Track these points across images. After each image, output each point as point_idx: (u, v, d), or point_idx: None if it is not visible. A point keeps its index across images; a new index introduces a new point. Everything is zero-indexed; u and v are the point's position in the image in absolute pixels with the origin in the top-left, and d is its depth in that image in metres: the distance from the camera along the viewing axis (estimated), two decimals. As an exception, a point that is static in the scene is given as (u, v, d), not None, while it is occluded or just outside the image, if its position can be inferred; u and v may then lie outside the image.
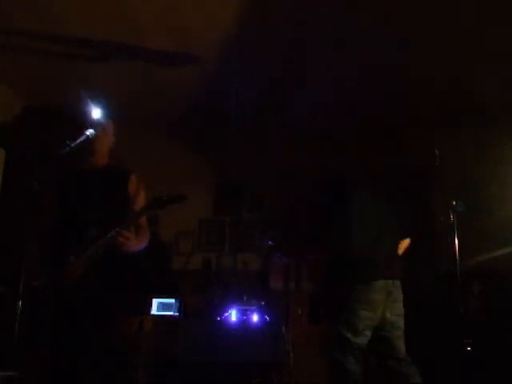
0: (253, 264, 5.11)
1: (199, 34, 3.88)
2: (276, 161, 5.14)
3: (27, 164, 4.16)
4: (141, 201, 2.65)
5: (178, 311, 4.36)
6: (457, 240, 2.97)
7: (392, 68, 4.21)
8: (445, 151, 3.15)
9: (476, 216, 4.10)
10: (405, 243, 3.05)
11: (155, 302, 4.40)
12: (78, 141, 2.53)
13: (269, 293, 4.58)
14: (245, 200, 5.31)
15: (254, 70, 4.29)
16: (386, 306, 2.79)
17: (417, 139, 4.66)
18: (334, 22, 3.69)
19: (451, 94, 4.54)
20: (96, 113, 2.71)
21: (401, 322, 2.83)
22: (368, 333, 2.75)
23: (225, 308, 4.21)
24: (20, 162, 4.32)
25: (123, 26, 3.78)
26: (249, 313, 4.17)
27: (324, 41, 3.90)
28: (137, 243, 2.50)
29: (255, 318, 4.14)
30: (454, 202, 2.97)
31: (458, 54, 3.99)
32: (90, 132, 2.56)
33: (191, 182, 5.03)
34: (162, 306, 4.38)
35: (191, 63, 4.23)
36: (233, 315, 4.14)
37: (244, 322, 4.11)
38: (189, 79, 4.50)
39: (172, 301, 4.40)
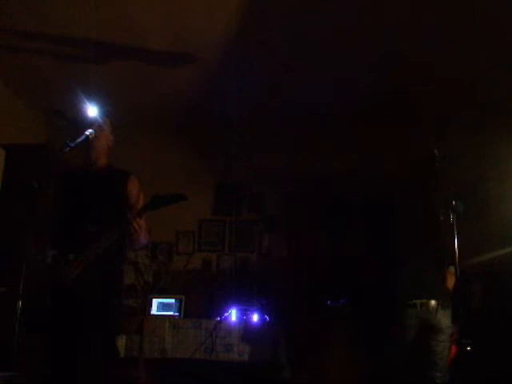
0: (253, 264, 5.11)
1: (199, 34, 3.88)
2: (276, 161, 5.14)
3: (27, 164, 4.17)
4: (140, 202, 2.66)
5: (178, 311, 4.36)
6: (457, 240, 2.97)
7: (392, 68, 4.21)
8: (445, 151, 3.14)
9: (476, 216, 4.10)
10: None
11: (155, 301, 4.40)
12: (78, 141, 2.54)
13: (269, 292, 4.57)
14: (245, 200, 5.30)
15: (253, 70, 4.29)
16: None
17: (417, 139, 4.66)
18: (334, 21, 3.69)
19: (452, 94, 4.53)
20: (94, 112, 2.72)
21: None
22: None
23: (225, 308, 4.20)
24: (20, 161, 4.32)
25: (123, 26, 3.78)
26: (249, 313, 4.16)
27: (324, 40, 3.90)
28: (145, 234, 2.51)
29: (255, 318, 4.14)
30: (454, 202, 2.97)
31: (459, 54, 3.99)
32: (89, 132, 2.57)
33: (191, 182, 5.02)
34: (162, 306, 4.38)
35: (191, 63, 4.23)
36: (233, 315, 4.14)
37: (244, 322, 4.11)
38: (189, 79, 4.50)
39: (172, 301, 4.40)
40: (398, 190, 3.61)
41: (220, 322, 4.05)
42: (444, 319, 2.99)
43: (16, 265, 3.65)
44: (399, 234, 3.23)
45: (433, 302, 3.00)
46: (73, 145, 2.52)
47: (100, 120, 2.68)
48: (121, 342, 3.85)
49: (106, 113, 2.73)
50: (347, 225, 4.75)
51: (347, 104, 4.79)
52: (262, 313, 4.17)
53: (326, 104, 4.77)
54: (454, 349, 3.11)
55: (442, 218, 3.01)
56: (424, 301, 3.01)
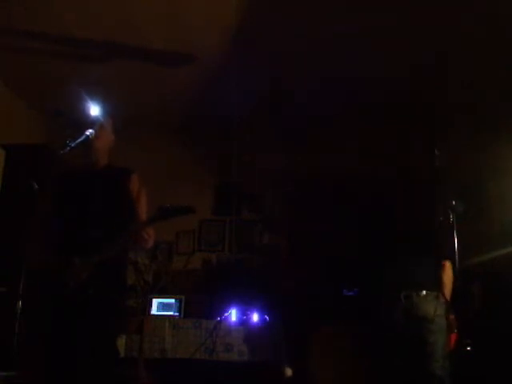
0: (253, 264, 5.11)
1: (199, 34, 3.88)
2: (276, 161, 5.14)
3: (27, 164, 4.17)
4: (143, 200, 2.67)
5: (178, 311, 4.36)
6: (456, 240, 2.97)
7: (393, 68, 4.21)
8: (445, 151, 3.15)
9: (476, 216, 4.10)
10: None
11: (155, 301, 4.40)
12: (78, 141, 2.54)
13: (269, 292, 4.58)
14: (245, 200, 5.30)
15: (254, 69, 4.29)
16: None
17: (417, 139, 4.66)
18: (334, 21, 3.69)
19: (452, 94, 4.53)
20: (95, 112, 2.72)
21: None
22: None
23: (225, 308, 4.20)
24: (20, 161, 4.31)
25: (123, 26, 3.78)
26: (249, 313, 4.16)
27: (325, 40, 3.90)
28: (153, 239, 2.52)
29: (255, 318, 4.14)
30: (454, 202, 2.97)
31: (459, 55, 4.00)
32: (89, 132, 2.57)
33: (191, 182, 5.03)
34: (162, 306, 4.38)
35: (191, 63, 4.23)
36: (233, 315, 4.14)
37: (244, 322, 4.11)
38: (189, 79, 4.50)
39: (172, 301, 4.40)
40: (398, 189, 3.61)
41: (220, 321, 4.05)
42: (430, 309, 2.98)
43: (16, 265, 3.65)
44: (398, 234, 3.25)
45: (416, 293, 3.02)
46: (73, 145, 2.52)
47: (101, 120, 2.68)
48: (121, 342, 3.85)
49: (107, 113, 2.73)
50: (347, 224, 4.75)
51: (347, 104, 4.78)
52: (261, 313, 4.17)
53: (326, 104, 4.77)
54: (453, 338, 3.10)
55: (441, 218, 3.01)
56: (408, 292, 3.04)
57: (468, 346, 2.87)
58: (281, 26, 3.75)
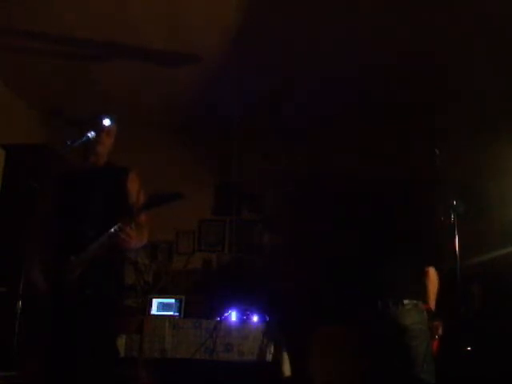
0: (253, 264, 5.11)
1: (199, 34, 3.88)
2: (276, 161, 5.14)
3: (27, 164, 4.17)
4: (140, 198, 2.67)
5: (178, 311, 4.35)
6: (457, 240, 2.97)
7: (393, 68, 4.21)
8: (445, 151, 3.15)
9: (476, 216, 4.10)
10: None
11: (155, 301, 4.40)
12: (79, 141, 2.54)
13: (269, 292, 4.58)
14: (245, 200, 5.30)
15: (253, 69, 4.29)
16: None
17: (417, 139, 4.66)
18: (334, 21, 3.69)
19: (452, 95, 4.54)
20: (96, 113, 2.71)
21: None
22: None
23: (225, 308, 4.20)
24: (20, 161, 4.32)
25: (123, 26, 3.78)
26: (249, 313, 4.16)
27: (324, 40, 3.90)
28: (137, 241, 2.51)
29: (255, 318, 4.14)
30: (454, 202, 2.97)
31: (459, 54, 4.00)
32: (91, 134, 2.57)
33: (191, 182, 5.02)
34: (162, 306, 4.38)
35: (191, 63, 4.23)
36: (233, 315, 4.14)
37: (244, 322, 4.11)
38: (189, 79, 4.50)
39: (172, 301, 4.40)
40: (398, 189, 3.61)
41: (220, 321, 4.05)
42: (408, 317, 2.99)
43: (16, 265, 3.65)
44: (398, 235, 3.24)
45: (394, 303, 3.02)
46: (74, 145, 2.53)
47: (107, 125, 2.67)
48: (121, 342, 3.85)
49: (109, 115, 2.72)
50: (347, 224, 4.75)
51: (347, 104, 4.78)
52: (262, 313, 4.17)
53: (326, 104, 4.77)
54: (435, 344, 3.10)
55: (442, 218, 3.01)
56: (385, 302, 3.04)
57: (468, 346, 2.87)
58: (281, 26, 3.75)
